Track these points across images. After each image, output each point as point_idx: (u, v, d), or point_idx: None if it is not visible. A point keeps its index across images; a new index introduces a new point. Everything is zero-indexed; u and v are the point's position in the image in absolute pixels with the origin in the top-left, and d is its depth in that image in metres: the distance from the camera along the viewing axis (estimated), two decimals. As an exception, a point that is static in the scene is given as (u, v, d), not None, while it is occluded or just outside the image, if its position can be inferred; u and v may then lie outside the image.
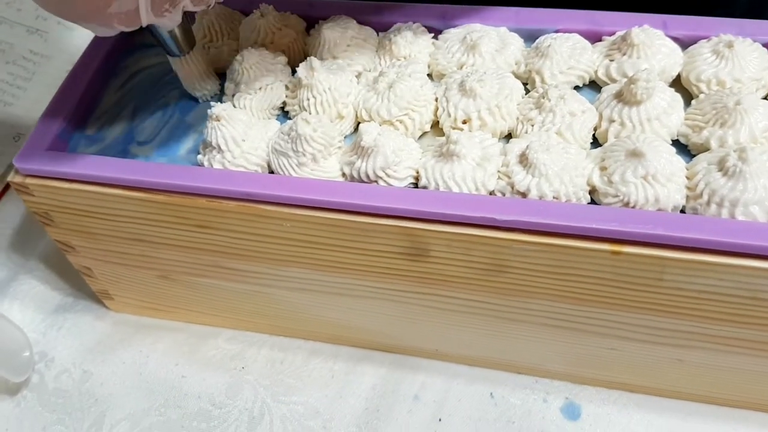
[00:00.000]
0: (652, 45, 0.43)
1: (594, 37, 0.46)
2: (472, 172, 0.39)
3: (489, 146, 0.40)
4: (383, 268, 0.42)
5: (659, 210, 0.37)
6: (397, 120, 0.42)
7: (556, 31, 0.46)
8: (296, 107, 0.44)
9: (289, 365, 0.52)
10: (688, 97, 0.43)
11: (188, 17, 0.41)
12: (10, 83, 0.71)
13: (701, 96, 0.42)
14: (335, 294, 0.46)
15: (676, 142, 0.41)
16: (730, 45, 0.41)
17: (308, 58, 0.43)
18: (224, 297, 0.50)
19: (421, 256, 0.40)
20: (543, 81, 0.43)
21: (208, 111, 0.42)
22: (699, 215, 0.37)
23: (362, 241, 0.40)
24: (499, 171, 0.39)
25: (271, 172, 0.42)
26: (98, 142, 0.46)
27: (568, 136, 0.40)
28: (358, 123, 0.44)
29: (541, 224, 0.37)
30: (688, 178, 0.38)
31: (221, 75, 0.48)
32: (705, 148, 0.39)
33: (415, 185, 0.41)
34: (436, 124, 0.44)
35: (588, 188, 0.39)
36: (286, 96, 0.45)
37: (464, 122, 0.42)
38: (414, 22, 0.47)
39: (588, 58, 0.44)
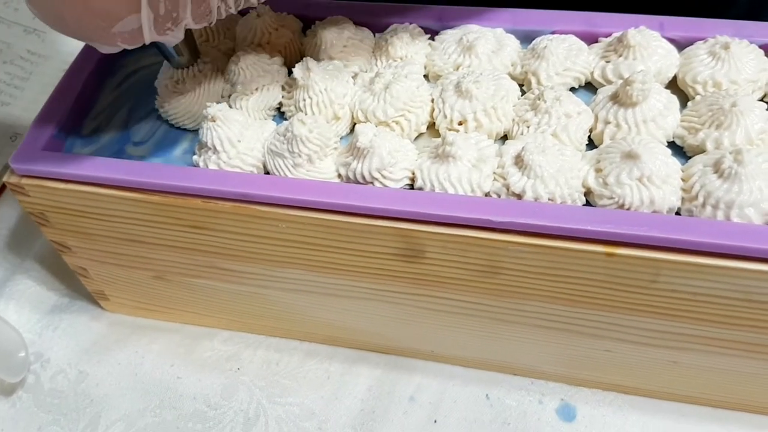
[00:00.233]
0: (649, 46, 0.43)
1: (590, 39, 0.46)
2: (467, 174, 0.39)
3: (485, 148, 0.40)
4: (379, 270, 0.42)
5: (654, 212, 0.37)
6: (393, 121, 0.42)
7: (553, 33, 0.46)
8: (292, 108, 0.44)
9: (284, 366, 0.52)
10: (684, 98, 0.43)
11: (191, 31, 0.42)
12: (7, 83, 0.71)
13: (697, 98, 0.42)
14: (331, 295, 0.46)
15: (671, 144, 0.41)
16: (726, 46, 0.41)
17: (304, 58, 0.43)
18: (220, 298, 0.50)
19: (416, 258, 0.40)
20: (539, 82, 0.43)
21: (204, 111, 0.42)
22: (694, 217, 0.37)
23: (358, 243, 0.40)
24: (494, 172, 0.39)
25: (267, 172, 0.42)
26: (94, 142, 0.46)
27: (563, 137, 0.40)
28: (354, 124, 0.44)
29: (536, 226, 0.37)
30: (683, 180, 0.38)
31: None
32: (701, 150, 0.39)
33: (411, 186, 0.41)
34: (432, 126, 0.44)
35: (583, 190, 0.39)
36: (283, 96, 0.45)
37: (460, 123, 0.42)
38: (410, 23, 0.47)
39: (584, 60, 0.44)
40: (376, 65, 0.46)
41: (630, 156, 0.37)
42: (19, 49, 0.73)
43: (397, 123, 0.43)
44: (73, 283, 0.56)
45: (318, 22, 0.48)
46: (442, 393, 0.49)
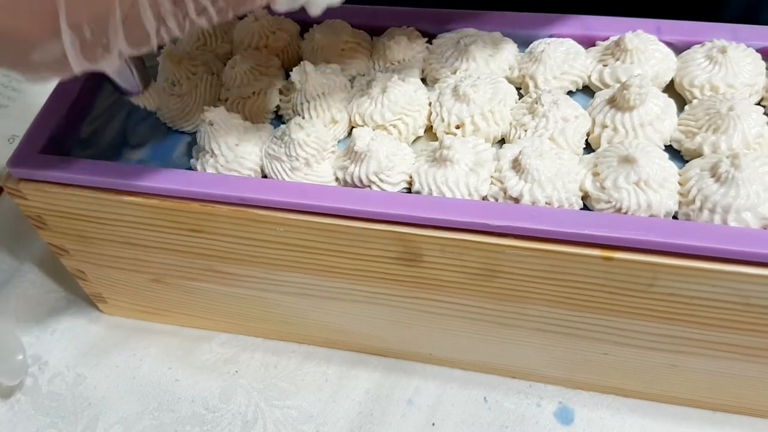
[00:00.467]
0: (646, 50, 0.43)
1: (587, 42, 0.46)
2: (465, 178, 0.39)
3: (482, 151, 0.40)
4: (377, 273, 0.42)
5: (651, 216, 0.37)
6: (390, 125, 0.43)
7: (550, 36, 0.46)
8: (290, 111, 0.44)
9: (282, 369, 0.52)
10: (681, 102, 0.43)
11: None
12: (5, 85, 0.71)
13: (694, 101, 0.42)
14: (329, 298, 0.46)
15: (668, 148, 0.41)
16: (723, 50, 0.41)
17: (302, 62, 0.43)
18: (218, 301, 0.50)
19: (414, 261, 0.40)
20: (536, 86, 0.43)
21: (202, 115, 0.42)
22: (691, 221, 0.37)
23: (355, 246, 0.40)
24: (492, 176, 0.40)
25: (265, 176, 0.42)
26: (92, 145, 0.46)
27: (561, 141, 0.40)
28: (352, 127, 0.44)
29: (534, 230, 0.37)
30: (680, 184, 0.38)
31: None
32: (698, 154, 0.39)
33: (409, 190, 0.41)
34: (429, 129, 0.44)
35: (580, 194, 0.39)
36: (280, 100, 0.45)
37: (457, 127, 0.42)
38: (408, 27, 0.47)
39: (581, 64, 0.44)
40: (374, 69, 0.46)
41: (627, 160, 0.37)
42: (18, 51, 0.73)
43: (394, 126, 0.43)
44: (71, 286, 0.56)
45: (315, 25, 0.48)
46: (440, 396, 0.49)
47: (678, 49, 0.44)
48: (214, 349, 0.53)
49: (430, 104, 0.43)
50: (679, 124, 0.41)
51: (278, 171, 0.41)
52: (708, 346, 0.41)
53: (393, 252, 0.40)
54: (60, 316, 0.56)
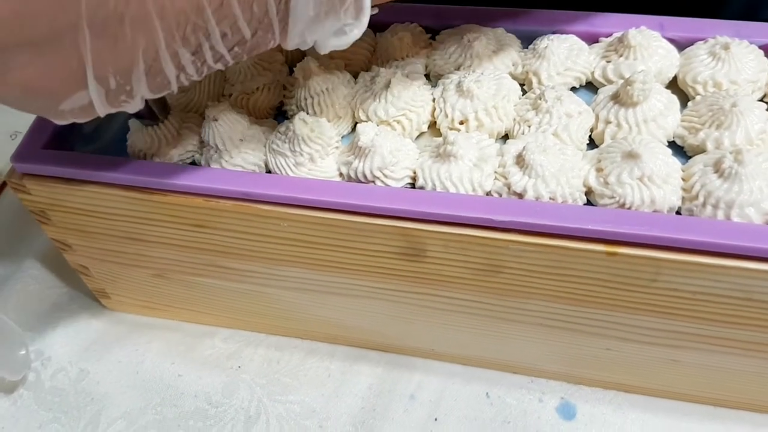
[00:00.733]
0: (649, 46, 0.43)
1: (591, 39, 0.46)
2: (468, 173, 0.39)
3: (486, 147, 0.40)
4: (380, 268, 0.42)
5: (655, 211, 0.37)
6: (394, 120, 0.43)
7: (554, 33, 0.46)
8: (294, 107, 0.44)
9: (285, 364, 0.52)
10: (684, 98, 0.43)
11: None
12: (6, 81, 0.71)
13: (697, 98, 0.42)
14: (332, 293, 0.46)
15: (672, 144, 0.41)
16: (726, 47, 0.42)
17: (306, 57, 0.44)
18: (221, 296, 0.50)
19: (417, 256, 0.41)
20: (540, 82, 0.44)
21: (206, 111, 0.42)
22: (695, 217, 0.37)
23: (359, 241, 0.41)
24: (495, 172, 0.40)
25: (269, 171, 0.42)
26: (95, 140, 0.46)
27: (564, 137, 0.41)
28: (356, 123, 0.44)
29: (537, 225, 0.37)
30: (683, 179, 0.38)
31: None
32: (701, 150, 0.40)
33: (412, 185, 0.41)
34: (433, 125, 0.44)
35: (584, 189, 0.39)
36: (284, 96, 0.45)
37: (461, 123, 0.42)
38: (411, 23, 0.48)
39: (585, 60, 0.44)
40: (377, 64, 0.46)
41: (631, 155, 0.37)
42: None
43: (398, 122, 0.43)
44: (73, 281, 0.56)
45: (319, 21, 0.48)
46: (442, 391, 0.49)
47: (681, 45, 0.44)
48: (217, 344, 0.53)
49: (433, 100, 0.44)
50: (683, 120, 0.41)
51: (282, 166, 0.41)
52: (710, 342, 0.41)
53: (396, 247, 0.40)
54: (63, 311, 0.56)
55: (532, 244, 0.37)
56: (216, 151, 0.42)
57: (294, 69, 0.44)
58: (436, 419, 0.48)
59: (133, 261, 0.48)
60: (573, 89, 0.44)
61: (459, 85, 0.42)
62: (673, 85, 0.44)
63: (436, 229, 0.38)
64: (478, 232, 0.38)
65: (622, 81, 0.41)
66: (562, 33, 0.46)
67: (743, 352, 0.41)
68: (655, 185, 0.37)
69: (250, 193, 0.40)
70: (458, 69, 0.45)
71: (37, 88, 0.31)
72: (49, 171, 0.43)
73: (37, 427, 0.50)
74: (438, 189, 0.39)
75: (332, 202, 0.39)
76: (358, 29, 0.34)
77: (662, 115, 0.40)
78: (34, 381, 0.52)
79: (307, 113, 0.43)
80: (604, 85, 0.44)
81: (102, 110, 0.33)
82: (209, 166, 0.42)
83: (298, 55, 0.48)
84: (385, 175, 0.40)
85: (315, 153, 0.41)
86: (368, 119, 0.43)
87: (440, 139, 0.40)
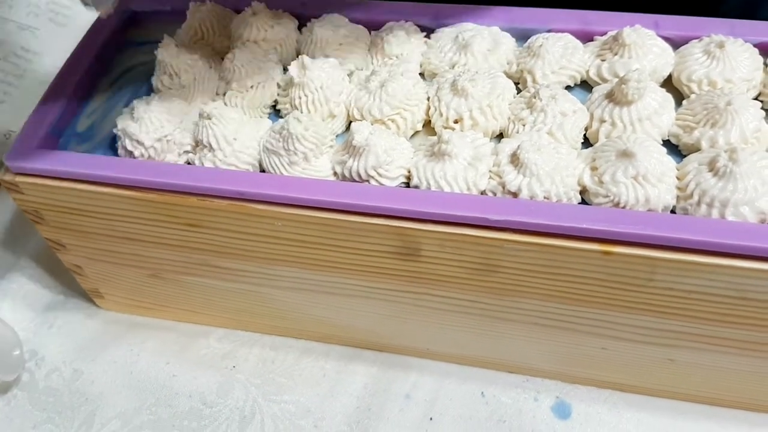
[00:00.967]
0: (644, 45, 0.43)
1: (586, 37, 0.46)
2: (463, 172, 0.39)
3: (480, 146, 0.40)
4: (375, 268, 0.42)
5: (649, 210, 0.37)
6: (388, 119, 0.42)
7: (548, 31, 0.46)
8: (288, 106, 0.44)
9: (280, 364, 0.52)
10: (679, 97, 0.43)
11: None
12: (1, 80, 0.71)
13: (692, 96, 0.42)
14: (327, 293, 0.46)
15: (666, 143, 0.41)
16: (721, 45, 0.42)
17: (300, 56, 0.43)
18: (215, 296, 0.50)
19: (412, 256, 0.40)
20: (534, 81, 0.43)
21: (200, 110, 0.42)
22: (689, 215, 0.37)
23: (354, 241, 0.40)
24: (490, 171, 0.40)
25: (263, 170, 0.42)
26: (89, 139, 0.46)
27: (559, 136, 0.40)
28: (350, 122, 0.43)
29: (532, 224, 0.37)
30: (678, 178, 0.38)
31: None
32: (696, 149, 0.40)
33: (407, 184, 0.41)
34: (427, 124, 0.44)
35: (579, 188, 0.39)
36: (278, 94, 0.45)
37: (456, 122, 0.42)
38: (406, 21, 0.47)
39: (579, 58, 0.44)
40: (372, 63, 0.46)
41: (625, 154, 0.37)
42: (13, 46, 0.72)
43: (392, 121, 0.43)
44: (67, 280, 0.56)
45: (313, 19, 0.48)
46: (437, 390, 0.49)
47: (676, 44, 0.44)
48: (212, 344, 0.53)
49: (428, 99, 0.43)
50: (677, 119, 0.41)
51: (276, 165, 0.41)
52: (705, 341, 0.41)
53: (391, 246, 0.40)
54: (57, 311, 0.56)
55: (527, 243, 0.37)
56: (210, 150, 0.42)
57: (288, 67, 0.43)
58: (431, 418, 0.48)
59: (128, 261, 0.48)
60: (568, 88, 0.44)
61: (454, 83, 0.42)
62: (668, 83, 0.44)
63: (430, 228, 0.38)
64: (472, 231, 0.38)
65: (616, 79, 0.41)
66: (556, 31, 0.45)
67: (738, 351, 0.41)
68: (649, 184, 0.37)
69: (244, 192, 0.40)
70: (453, 68, 0.45)
71: None
72: (42, 170, 0.42)
73: (31, 427, 0.50)
74: (433, 188, 0.39)
75: (327, 202, 0.39)
76: None
77: (657, 114, 0.40)
78: (28, 381, 0.52)
79: (302, 112, 0.43)
80: (598, 84, 0.43)
81: None
82: (203, 165, 0.42)
83: (293, 54, 0.48)
84: (380, 174, 0.40)
85: (309, 152, 0.41)
86: (363, 118, 0.43)
87: (435, 138, 0.40)
